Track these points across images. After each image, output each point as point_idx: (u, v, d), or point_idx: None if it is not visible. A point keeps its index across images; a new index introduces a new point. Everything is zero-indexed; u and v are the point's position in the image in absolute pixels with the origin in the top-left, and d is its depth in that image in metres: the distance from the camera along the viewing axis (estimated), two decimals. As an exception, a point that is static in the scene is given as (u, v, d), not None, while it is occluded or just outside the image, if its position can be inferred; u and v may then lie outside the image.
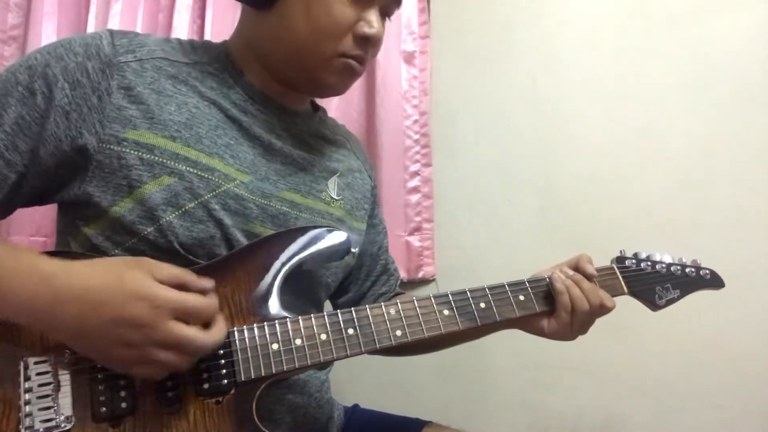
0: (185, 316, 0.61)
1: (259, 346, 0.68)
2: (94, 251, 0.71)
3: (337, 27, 0.76)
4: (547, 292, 0.82)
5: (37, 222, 1.43)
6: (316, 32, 0.76)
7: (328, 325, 0.71)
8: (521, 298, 0.81)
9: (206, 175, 0.73)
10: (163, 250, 0.70)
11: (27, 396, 0.62)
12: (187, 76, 0.77)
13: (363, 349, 0.72)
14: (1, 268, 0.60)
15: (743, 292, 1.24)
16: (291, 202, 0.81)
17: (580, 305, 0.80)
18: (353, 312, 0.73)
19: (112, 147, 0.69)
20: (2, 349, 0.63)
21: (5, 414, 0.61)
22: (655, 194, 1.38)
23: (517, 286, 0.81)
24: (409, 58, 1.58)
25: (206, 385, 0.66)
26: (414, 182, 1.57)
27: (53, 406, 0.62)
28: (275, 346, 0.68)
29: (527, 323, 0.84)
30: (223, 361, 0.66)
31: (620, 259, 0.89)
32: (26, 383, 0.62)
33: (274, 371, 0.67)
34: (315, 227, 0.77)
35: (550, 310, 0.82)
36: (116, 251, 0.71)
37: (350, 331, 0.72)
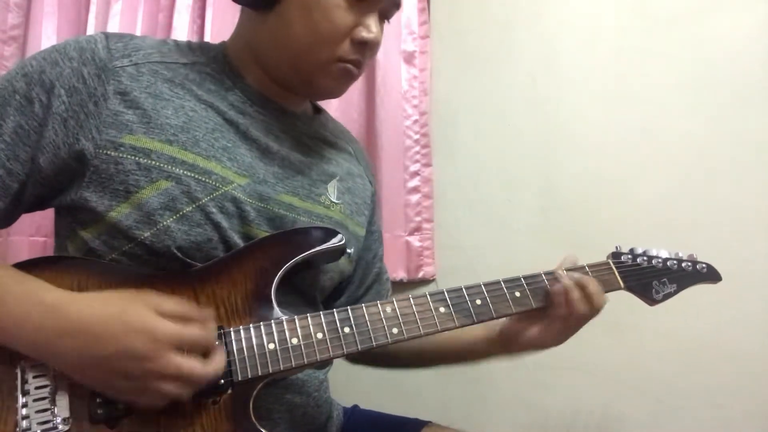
0: (185, 348, 0.61)
1: (255, 346, 0.68)
2: (91, 255, 0.71)
3: (335, 32, 0.76)
4: (542, 288, 0.82)
5: (37, 222, 1.43)
6: (314, 36, 0.76)
7: (324, 323, 0.71)
8: (517, 294, 0.81)
9: (204, 179, 0.73)
10: (161, 254, 0.70)
11: (24, 398, 0.62)
12: (183, 78, 0.77)
13: (359, 347, 0.71)
14: (6, 295, 0.61)
15: (743, 292, 1.24)
16: (289, 205, 0.80)
17: (578, 305, 0.80)
18: (349, 311, 0.73)
19: (108, 152, 0.69)
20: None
21: (2, 416, 0.61)
22: (655, 194, 1.37)
23: (512, 282, 0.81)
24: (409, 58, 1.58)
25: (204, 386, 0.66)
26: (414, 182, 1.56)
27: (50, 408, 0.62)
28: (271, 346, 0.68)
29: (513, 340, 0.84)
30: (220, 362, 0.67)
31: (616, 255, 0.89)
32: (24, 386, 0.62)
33: (270, 371, 0.67)
34: (311, 228, 0.77)
35: (545, 306, 0.82)
36: (113, 255, 0.70)
37: (346, 329, 0.72)
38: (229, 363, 0.67)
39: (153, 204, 0.70)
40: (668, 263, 0.89)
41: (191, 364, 0.61)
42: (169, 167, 0.71)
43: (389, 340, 0.73)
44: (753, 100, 1.31)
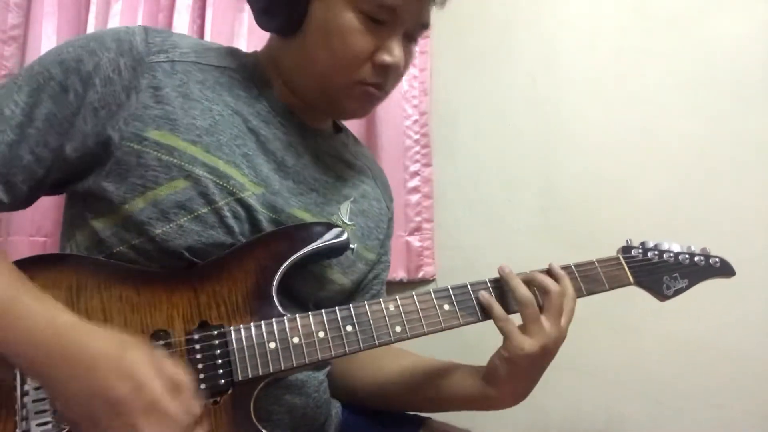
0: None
1: (256, 345, 0.68)
2: (99, 246, 0.71)
3: (354, 56, 0.75)
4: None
5: (37, 222, 1.43)
6: (333, 61, 0.75)
7: (326, 322, 0.71)
8: None
9: (222, 183, 0.73)
10: (169, 252, 0.70)
11: (23, 399, 0.61)
12: (214, 82, 0.77)
13: (362, 346, 0.71)
14: (23, 310, 0.58)
15: (743, 292, 1.24)
16: (301, 220, 0.80)
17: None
18: (351, 309, 0.72)
19: (132, 145, 0.70)
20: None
21: (2, 418, 0.61)
22: (655, 194, 1.37)
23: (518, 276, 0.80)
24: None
25: (203, 386, 0.65)
26: (414, 182, 1.56)
27: (49, 410, 0.62)
28: (272, 345, 0.68)
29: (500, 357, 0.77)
30: (220, 361, 0.66)
31: (626, 249, 0.88)
32: (23, 386, 0.62)
33: (271, 370, 0.67)
34: (313, 224, 0.77)
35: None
36: (121, 248, 0.70)
37: (348, 328, 0.71)
38: (230, 362, 0.67)
39: (168, 202, 0.70)
40: (680, 257, 0.88)
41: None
42: (190, 167, 0.71)
43: (392, 338, 0.73)
44: (753, 100, 1.30)
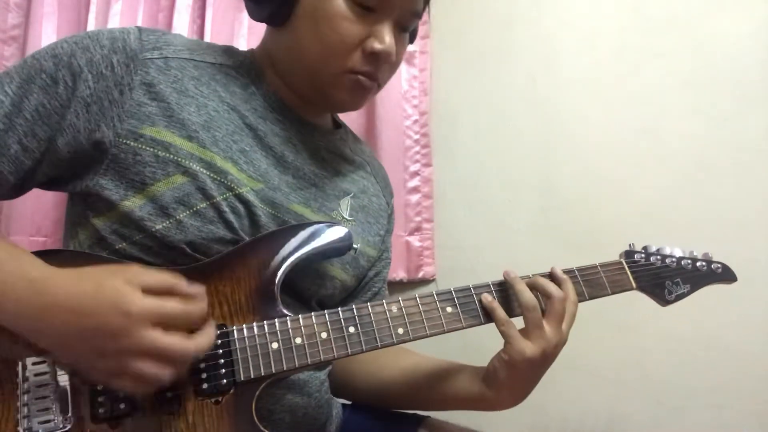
0: (164, 324, 0.58)
1: (258, 345, 0.68)
2: (101, 244, 0.71)
3: (343, 43, 0.75)
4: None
5: (37, 222, 1.42)
6: (323, 49, 0.75)
7: (328, 323, 0.71)
8: None
9: (219, 178, 0.73)
10: (171, 247, 0.70)
11: (25, 397, 0.61)
12: (210, 78, 0.77)
13: (364, 347, 0.71)
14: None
15: (743, 292, 1.23)
16: (300, 215, 0.80)
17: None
18: (354, 310, 0.72)
19: (128, 142, 0.70)
20: (0, 349, 0.63)
21: (3, 415, 0.61)
22: (654, 194, 1.37)
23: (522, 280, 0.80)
24: (409, 58, 1.58)
25: (205, 385, 0.65)
26: (414, 182, 1.56)
27: (51, 407, 0.62)
28: (275, 345, 0.68)
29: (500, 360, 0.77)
30: (222, 361, 0.66)
31: (629, 253, 0.88)
32: (24, 384, 0.62)
33: (273, 370, 0.67)
34: (315, 223, 0.77)
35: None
36: (122, 245, 0.70)
37: (351, 329, 0.71)
38: (232, 362, 0.67)
39: (167, 198, 0.70)
40: (682, 263, 0.88)
41: (168, 340, 0.57)
42: (187, 163, 0.71)
43: (394, 340, 0.73)
44: (753, 100, 1.31)
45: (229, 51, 0.84)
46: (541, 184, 1.49)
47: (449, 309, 0.76)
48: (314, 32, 0.75)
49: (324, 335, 0.70)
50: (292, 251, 0.73)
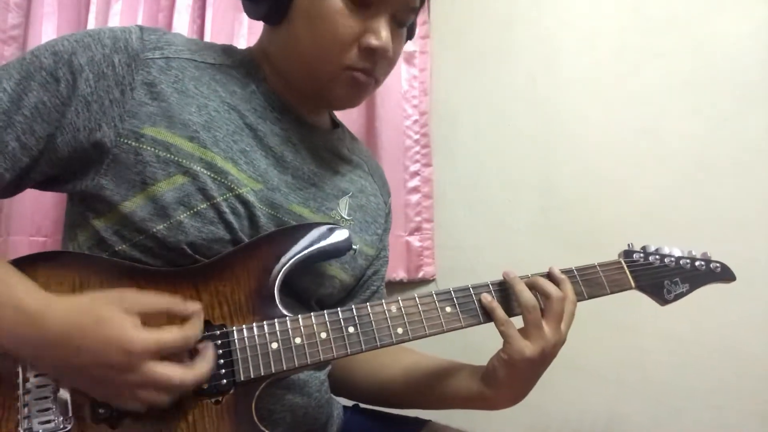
0: (165, 355, 0.60)
1: (258, 346, 0.68)
2: (101, 245, 0.71)
3: (339, 39, 0.75)
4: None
5: (37, 222, 1.42)
6: (320, 46, 0.75)
7: (328, 323, 0.71)
8: None
9: (219, 178, 0.73)
10: (171, 248, 0.70)
11: (26, 397, 0.62)
12: (210, 79, 0.77)
13: (363, 347, 0.71)
14: None
15: (743, 292, 1.24)
16: (300, 216, 0.80)
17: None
18: (354, 310, 0.72)
19: (129, 142, 0.70)
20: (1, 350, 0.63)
21: (4, 416, 0.61)
22: (654, 194, 1.37)
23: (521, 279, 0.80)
24: (409, 58, 1.58)
25: (205, 385, 0.65)
26: (414, 182, 1.56)
27: (52, 408, 0.62)
28: (275, 345, 0.68)
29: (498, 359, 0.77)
30: (222, 361, 0.66)
31: (628, 253, 0.88)
32: (25, 384, 0.62)
33: (273, 371, 0.67)
34: (315, 224, 0.77)
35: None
36: (123, 246, 0.70)
37: (351, 329, 0.71)
38: (232, 363, 0.67)
39: (168, 198, 0.70)
40: (681, 262, 0.88)
41: (169, 373, 0.60)
42: (187, 163, 0.71)
43: (393, 340, 0.73)
44: (753, 100, 1.31)
45: (228, 50, 0.84)
46: (541, 184, 1.49)
47: (448, 309, 0.76)
48: (310, 29, 0.75)
49: (323, 335, 0.70)
50: (292, 252, 0.73)
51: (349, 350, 0.70)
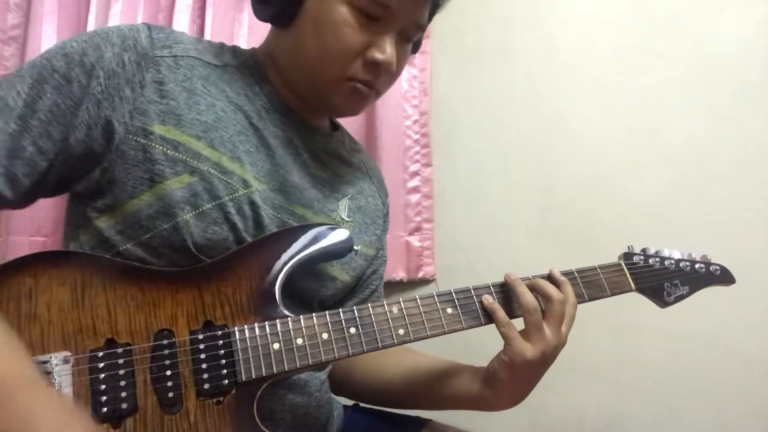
0: None
1: (260, 346, 0.68)
2: (104, 245, 0.71)
3: (344, 50, 0.75)
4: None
5: (37, 222, 1.42)
6: (324, 54, 0.76)
7: (329, 324, 0.71)
8: None
9: (226, 178, 0.73)
10: (176, 248, 0.70)
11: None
12: (217, 78, 0.78)
13: (365, 348, 0.71)
14: None
15: (743, 292, 1.24)
16: (301, 217, 0.81)
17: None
18: (355, 311, 0.72)
19: (138, 139, 0.70)
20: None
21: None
22: (654, 194, 1.38)
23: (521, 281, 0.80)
24: (409, 58, 1.57)
25: (207, 385, 0.65)
26: (414, 182, 1.56)
27: None
28: (276, 346, 0.68)
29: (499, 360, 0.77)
30: (224, 361, 0.66)
31: (628, 255, 0.88)
32: None
33: (275, 371, 0.67)
34: (317, 225, 0.77)
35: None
36: (127, 246, 0.70)
37: (352, 330, 0.71)
38: (234, 363, 0.67)
39: (175, 197, 0.70)
40: (681, 264, 0.88)
41: None
42: (195, 162, 0.71)
43: (395, 341, 0.73)
44: (753, 100, 1.31)
45: (234, 51, 0.84)
46: (541, 184, 1.49)
47: (450, 310, 0.76)
48: (316, 36, 0.75)
49: (325, 336, 0.70)
50: (294, 253, 0.73)
51: (350, 351, 0.71)
